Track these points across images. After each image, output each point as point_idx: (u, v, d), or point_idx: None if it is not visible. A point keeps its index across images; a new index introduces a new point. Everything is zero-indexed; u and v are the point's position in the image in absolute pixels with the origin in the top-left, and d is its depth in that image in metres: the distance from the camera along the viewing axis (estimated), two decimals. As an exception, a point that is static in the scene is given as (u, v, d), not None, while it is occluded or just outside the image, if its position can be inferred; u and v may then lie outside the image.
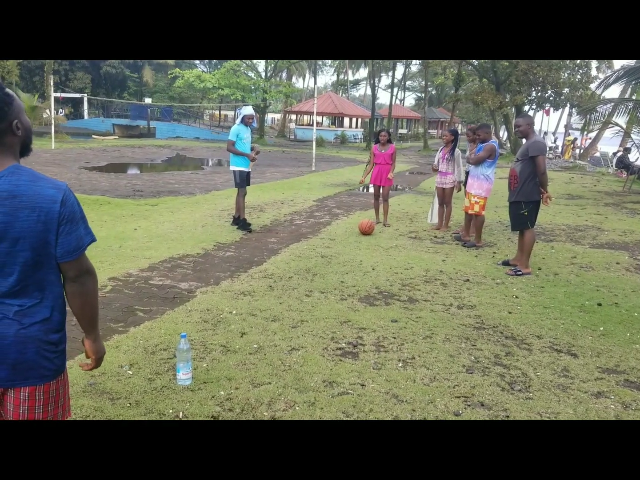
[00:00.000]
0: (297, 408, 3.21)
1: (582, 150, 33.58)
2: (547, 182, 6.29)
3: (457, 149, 8.74)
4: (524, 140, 6.47)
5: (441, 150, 8.86)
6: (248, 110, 8.51)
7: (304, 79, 64.92)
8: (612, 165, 23.96)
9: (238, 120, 8.38)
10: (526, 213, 6.25)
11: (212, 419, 3.07)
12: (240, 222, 8.47)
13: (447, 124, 49.66)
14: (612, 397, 3.50)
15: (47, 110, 28.94)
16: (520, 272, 6.29)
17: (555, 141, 36.36)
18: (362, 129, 47.96)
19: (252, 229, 8.43)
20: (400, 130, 54.24)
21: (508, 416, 3.21)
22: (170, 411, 3.13)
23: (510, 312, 5.02)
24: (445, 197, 8.89)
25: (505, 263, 6.72)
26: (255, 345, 4.08)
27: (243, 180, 8.38)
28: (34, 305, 1.76)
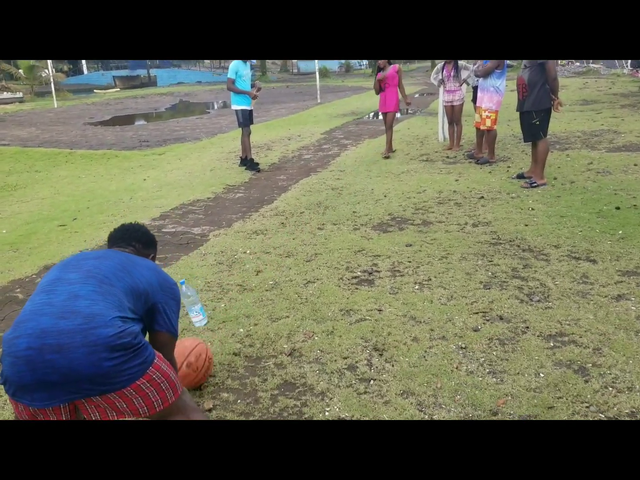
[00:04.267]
0: (316, 338, 3.24)
1: None
2: (559, 88, 6.03)
3: (459, 62, 8.43)
4: None
5: (444, 67, 8.55)
6: None
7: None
8: (627, 66, 22.99)
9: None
10: (538, 123, 6.04)
11: (234, 355, 3.11)
12: (247, 162, 8.37)
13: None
14: (633, 298, 3.46)
15: (46, 70, 28.46)
16: (535, 184, 6.16)
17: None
18: (367, 55, 46.50)
19: (261, 168, 8.34)
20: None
21: (528, 327, 3.20)
22: (192, 352, 3.18)
23: (526, 225, 4.94)
24: (454, 115, 8.63)
25: (520, 176, 6.57)
26: (271, 282, 4.09)
27: (246, 119, 8.20)
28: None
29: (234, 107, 8.19)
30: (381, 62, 8.51)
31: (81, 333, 1.65)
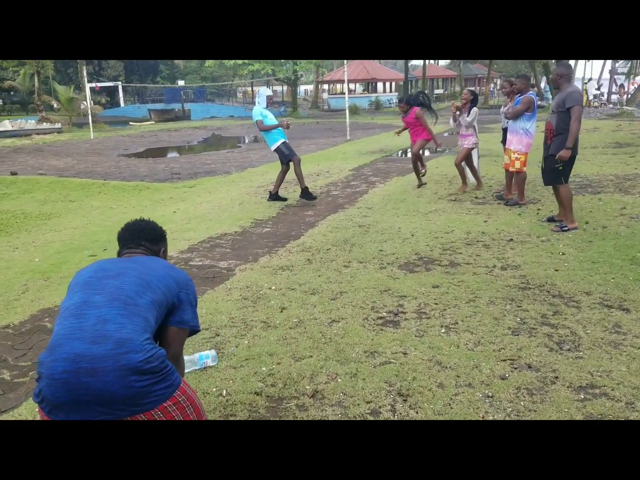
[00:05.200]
0: (339, 380, 3.19)
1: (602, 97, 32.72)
2: (575, 135, 5.84)
3: (474, 108, 8.35)
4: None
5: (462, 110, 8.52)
6: (269, 91, 8.69)
7: (334, 47, 63.71)
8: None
9: (262, 102, 8.28)
10: (561, 167, 6.00)
11: (255, 394, 3.08)
12: (303, 193, 8.38)
13: (484, 80, 48.10)
14: (669, 351, 3.34)
15: (84, 102, 29.45)
16: (566, 228, 6.07)
17: (599, 88, 34.75)
18: (397, 93, 47.05)
19: (311, 199, 8.39)
20: (436, 91, 52.90)
21: (557, 377, 3.11)
22: (214, 389, 3.16)
23: (556, 270, 4.85)
24: (456, 159, 8.58)
25: (551, 219, 6.49)
26: (296, 320, 4.07)
27: (291, 149, 8.36)
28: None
29: (274, 146, 8.31)
30: (402, 106, 8.82)
31: (112, 358, 1.75)
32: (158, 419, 1.84)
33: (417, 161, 8.92)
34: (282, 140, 8.28)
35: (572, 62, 31.91)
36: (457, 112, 8.50)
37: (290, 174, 8.60)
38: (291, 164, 8.38)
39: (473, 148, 8.52)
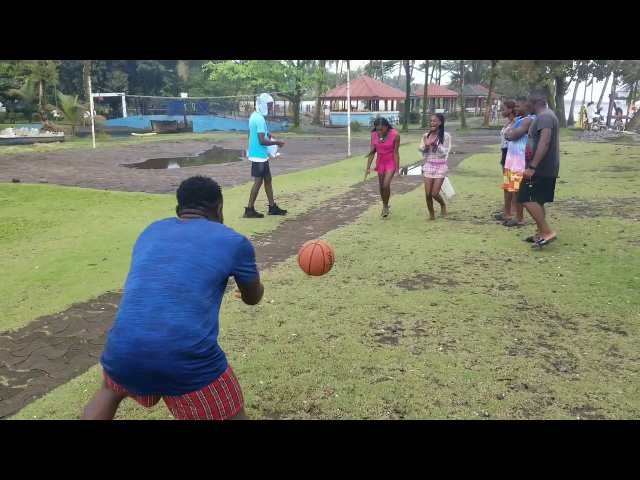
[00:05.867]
0: (336, 395, 3.20)
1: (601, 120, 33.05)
2: (541, 156, 5.98)
3: (446, 133, 7.98)
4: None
5: (429, 136, 8.03)
6: (269, 97, 8.78)
7: (337, 64, 64.02)
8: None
9: (264, 110, 8.42)
10: (530, 186, 6.15)
11: (252, 408, 3.09)
12: (250, 211, 8.63)
13: (485, 101, 48.53)
14: (665, 375, 3.36)
15: (87, 111, 29.58)
16: (544, 241, 6.14)
17: (599, 112, 35.06)
18: (398, 111, 47.40)
19: (260, 215, 8.62)
20: (436, 110, 53.31)
21: (553, 398, 3.13)
22: (211, 402, 3.16)
23: (554, 291, 4.88)
24: (434, 189, 8.07)
25: (529, 240, 6.60)
26: (294, 334, 4.08)
27: (268, 171, 8.62)
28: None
29: (257, 159, 8.50)
30: (380, 128, 8.16)
31: (167, 344, 1.99)
32: (200, 400, 2.06)
33: (388, 196, 8.50)
34: (266, 159, 8.54)
35: (572, 85, 32.16)
36: (432, 147, 7.95)
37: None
38: (267, 177, 8.60)
39: (444, 178, 8.14)
